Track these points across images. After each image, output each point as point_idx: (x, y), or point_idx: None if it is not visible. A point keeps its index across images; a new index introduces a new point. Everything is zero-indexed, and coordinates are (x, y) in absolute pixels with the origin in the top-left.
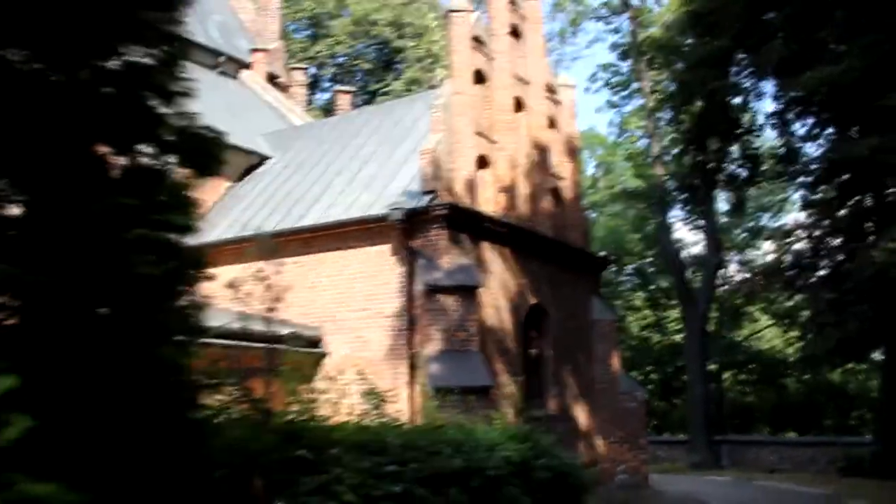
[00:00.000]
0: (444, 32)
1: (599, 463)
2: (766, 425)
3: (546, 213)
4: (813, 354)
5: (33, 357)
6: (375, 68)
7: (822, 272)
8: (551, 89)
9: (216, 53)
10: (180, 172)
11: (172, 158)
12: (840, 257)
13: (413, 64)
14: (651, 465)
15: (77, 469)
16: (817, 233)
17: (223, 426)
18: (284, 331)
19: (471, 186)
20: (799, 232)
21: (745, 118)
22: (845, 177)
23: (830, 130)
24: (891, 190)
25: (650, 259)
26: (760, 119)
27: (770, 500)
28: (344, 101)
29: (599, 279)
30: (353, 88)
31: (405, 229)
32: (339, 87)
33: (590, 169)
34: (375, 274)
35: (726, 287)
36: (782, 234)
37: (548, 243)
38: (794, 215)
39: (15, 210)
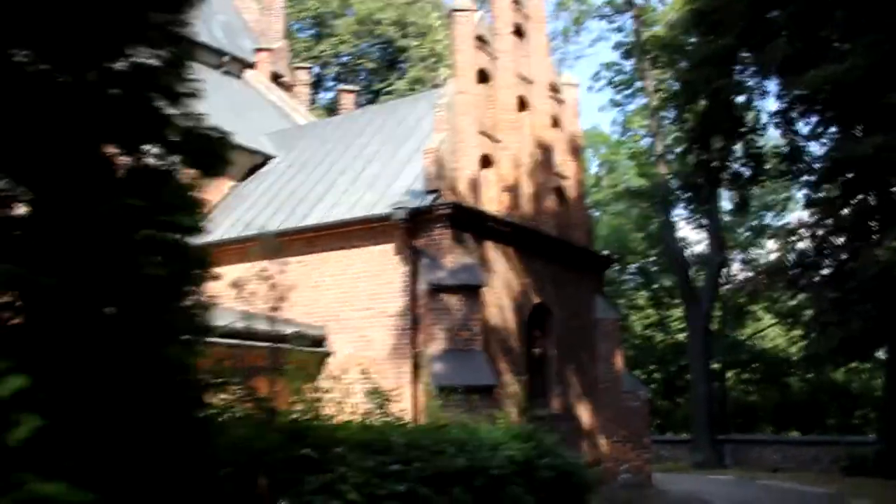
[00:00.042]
0: (447, 32)
1: (603, 462)
2: (769, 424)
3: (549, 212)
4: (816, 353)
5: (41, 357)
6: (379, 67)
7: (825, 271)
8: (555, 88)
9: (220, 53)
10: (186, 173)
11: (179, 159)
12: (843, 256)
13: (416, 63)
14: (654, 464)
15: (85, 468)
16: (821, 232)
17: (228, 425)
18: (288, 330)
19: (474, 186)
20: (802, 231)
21: (749, 117)
22: (849, 175)
23: (834, 129)
24: (895, 188)
25: (653, 258)
26: (764, 118)
27: (773, 499)
28: (347, 100)
29: (603, 278)
30: (356, 88)
31: (409, 229)
32: (342, 86)
33: (593, 168)
34: (379, 273)
35: (730, 286)
36: (786, 233)
37: (551, 242)
38: (797, 214)
39: (21, 210)
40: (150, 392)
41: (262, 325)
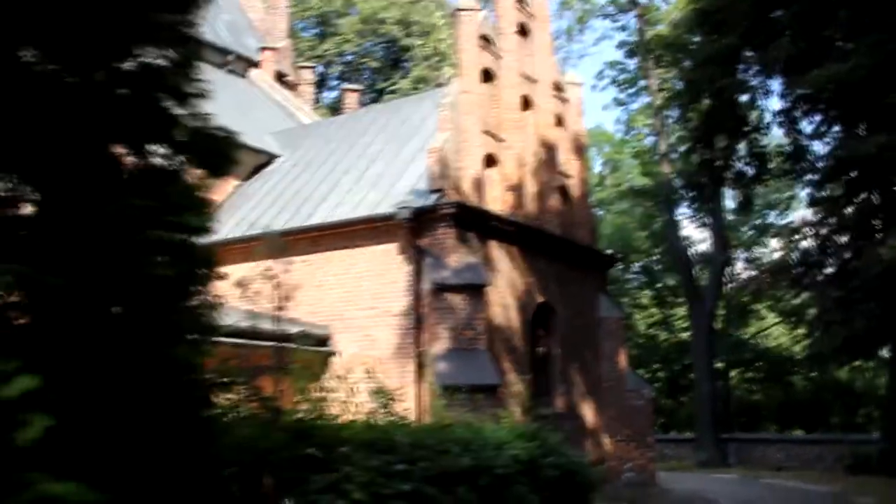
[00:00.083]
0: (451, 31)
1: (606, 461)
2: (773, 423)
3: (553, 211)
4: (820, 352)
5: (49, 357)
6: (383, 66)
7: (828, 270)
8: (559, 87)
9: (225, 52)
10: (194, 173)
11: (186, 159)
12: (847, 255)
13: (420, 62)
14: (658, 462)
15: (93, 468)
16: (824, 230)
17: (233, 424)
18: (293, 329)
19: (478, 185)
20: (806, 229)
21: (753, 116)
22: (852, 174)
23: (838, 128)
24: None
25: (657, 257)
26: (768, 117)
27: (777, 498)
28: (351, 99)
29: (606, 277)
30: (360, 87)
31: (413, 228)
32: (346, 85)
33: (597, 167)
34: (383, 273)
35: (733, 285)
36: (789, 232)
37: (555, 241)
38: (800, 212)
39: (28, 209)
40: (158, 392)
41: (266, 325)
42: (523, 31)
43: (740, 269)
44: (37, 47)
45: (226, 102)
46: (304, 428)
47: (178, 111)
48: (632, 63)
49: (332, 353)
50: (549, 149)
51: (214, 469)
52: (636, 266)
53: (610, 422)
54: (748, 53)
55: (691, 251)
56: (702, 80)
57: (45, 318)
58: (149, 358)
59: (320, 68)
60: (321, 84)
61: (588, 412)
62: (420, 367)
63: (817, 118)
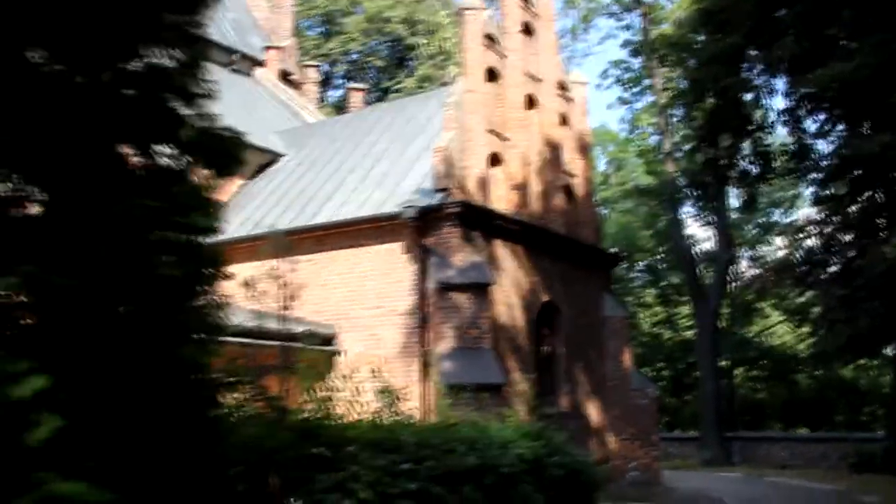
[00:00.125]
0: (456, 29)
1: (611, 460)
2: (777, 421)
3: (558, 210)
4: (824, 350)
5: (58, 357)
6: (388, 65)
7: (833, 268)
8: (563, 86)
9: (230, 51)
10: (200, 173)
11: (193, 159)
12: (851, 253)
13: (425, 61)
14: (662, 461)
15: (102, 467)
16: (828, 229)
17: (239, 424)
18: (299, 329)
19: (483, 184)
20: (810, 228)
21: (757, 115)
22: (857, 173)
23: (842, 127)
24: None
25: (661, 255)
26: (772, 116)
27: (782, 496)
28: (356, 98)
29: (611, 276)
30: (365, 86)
31: (418, 227)
32: (351, 84)
33: (601, 165)
34: (388, 272)
35: (738, 283)
36: (793, 230)
37: (560, 240)
38: (805, 211)
39: (35, 209)
40: (165, 391)
41: (272, 324)
42: (528, 30)
43: (744, 267)
44: (45, 48)
45: (231, 101)
46: (310, 427)
47: (185, 111)
48: (636, 62)
49: (337, 353)
50: (554, 148)
51: (221, 468)
52: (640, 265)
53: (614, 421)
54: (752, 52)
55: (695, 250)
56: (706, 79)
57: (52, 318)
58: (156, 358)
59: (325, 67)
60: (326, 83)
61: (592, 411)
62: (425, 367)
63: (821, 117)
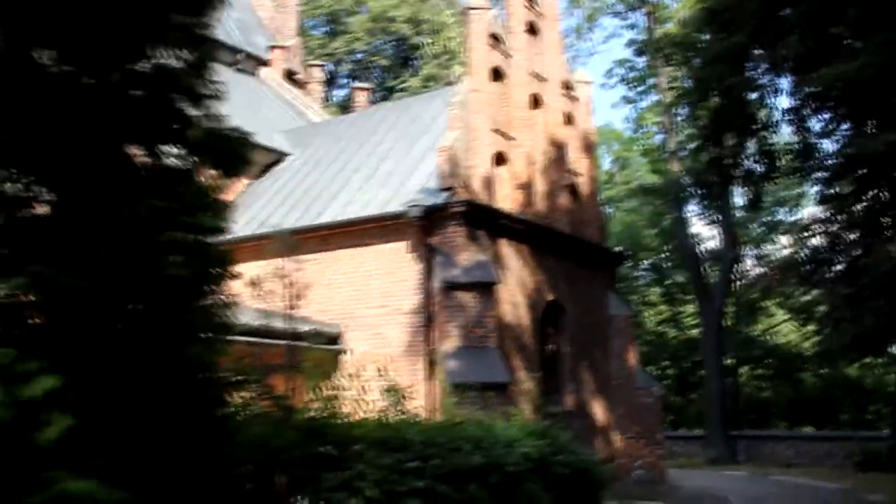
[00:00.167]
0: (461, 29)
1: (616, 458)
2: (782, 420)
3: (563, 209)
4: (829, 349)
5: (68, 357)
6: (392, 65)
7: (838, 267)
8: (568, 86)
9: (235, 50)
10: (207, 173)
11: (200, 159)
12: (857, 252)
13: (430, 60)
14: (667, 460)
15: (111, 466)
16: (834, 228)
17: (245, 423)
18: (305, 328)
19: (488, 183)
20: (815, 227)
21: (762, 114)
22: (862, 172)
23: (847, 126)
24: None
25: (666, 254)
26: (777, 115)
27: (787, 495)
28: (361, 97)
29: (616, 275)
30: (370, 85)
31: (423, 226)
32: (356, 83)
33: (606, 164)
34: (393, 271)
35: (742, 282)
36: (798, 229)
37: (565, 239)
38: (810, 209)
39: (42, 209)
40: (173, 391)
41: (278, 323)
42: (533, 29)
43: (749, 266)
44: (54, 49)
45: (236, 101)
46: (317, 426)
47: (193, 112)
48: (641, 61)
49: (342, 352)
50: (559, 147)
51: (229, 467)
52: (645, 263)
53: (619, 419)
54: (757, 52)
55: (700, 248)
56: (711, 79)
57: (62, 317)
58: (164, 357)
59: (330, 66)
60: (331, 82)
61: (598, 410)
62: (431, 365)
63: (826, 116)
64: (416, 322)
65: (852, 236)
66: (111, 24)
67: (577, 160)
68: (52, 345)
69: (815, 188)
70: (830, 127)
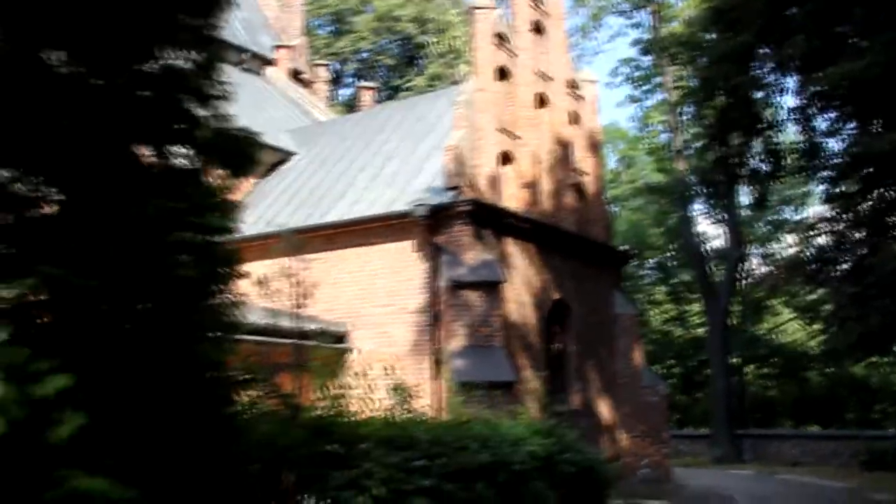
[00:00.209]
0: (466, 28)
1: (622, 457)
2: (788, 419)
3: (568, 208)
4: (835, 348)
5: (78, 356)
6: (398, 64)
7: (844, 266)
8: (573, 85)
9: (241, 50)
10: (216, 173)
11: (208, 159)
12: (863, 251)
13: (435, 59)
14: (673, 459)
15: (121, 464)
16: (840, 227)
17: (253, 421)
18: (311, 327)
19: (494, 182)
20: (821, 226)
21: (768, 113)
22: (868, 171)
23: (852, 125)
24: None
25: (672, 253)
26: (783, 114)
27: (793, 494)
28: (367, 96)
29: (621, 273)
30: (375, 84)
31: (429, 225)
32: (361, 82)
33: (612, 163)
34: (399, 270)
35: (748, 280)
36: (804, 228)
37: (570, 238)
38: (816, 208)
39: (50, 209)
40: (182, 389)
41: (285, 322)
42: (538, 28)
43: (755, 264)
44: (63, 50)
45: (241, 100)
46: (324, 425)
47: (201, 112)
48: (646, 60)
49: (349, 351)
50: (564, 146)
51: (237, 465)
52: (651, 262)
53: (625, 418)
54: (763, 51)
55: (706, 247)
56: (716, 78)
57: (72, 317)
58: (173, 356)
59: (335, 66)
60: (336, 82)
61: (603, 409)
62: (437, 364)
63: (832, 115)
64: (422, 321)
65: (858, 235)
66: (120, 25)
67: (582, 159)
68: (62, 344)
69: (821, 187)
70: (836, 126)
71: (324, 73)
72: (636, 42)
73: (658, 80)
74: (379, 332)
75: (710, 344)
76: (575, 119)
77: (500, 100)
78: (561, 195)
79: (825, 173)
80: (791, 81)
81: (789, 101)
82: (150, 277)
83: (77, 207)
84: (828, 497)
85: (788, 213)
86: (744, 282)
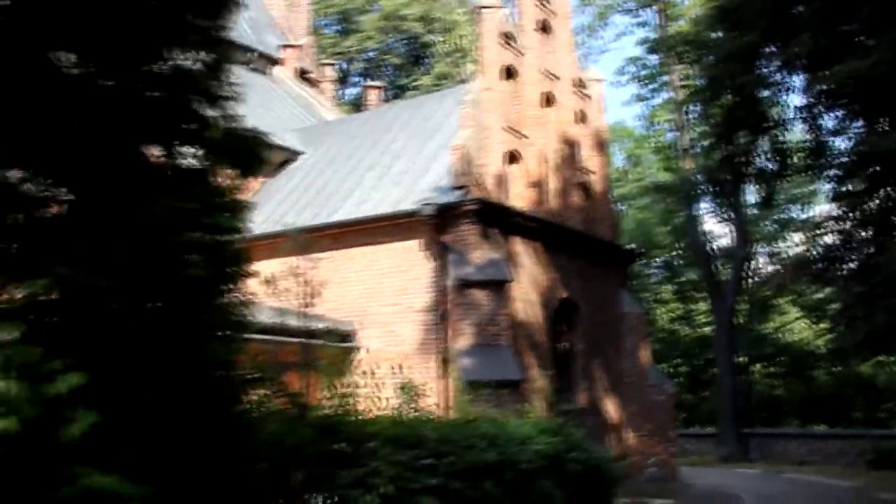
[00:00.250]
0: (472, 27)
1: (629, 456)
2: (794, 418)
3: (575, 207)
4: (842, 347)
5: (90, 355)
6: (404, 63)
7: (851, 265)
8: (580, 84)
9: (247, 49)
10: (225, 173)
11: (217, 160)
12: (869, 250)
13: (442, 59)
14: (680, 458)
15: (133, 462)
16: (846, 225)
17: (261, 420)
18: (319, 326)
19: (501, 181)
20: (828, 224)
21: (774, 112)
22: (874, 169)
23: (859, 124)
24: None
25: (678, 252)
26: (789, 113)
27: (799, 493)
28: (373, 96)
29: (628, 272)
30: (382, 83)
31: (436, 224)
32: (368, 82)
33: (618, 162)
34: (406, 269)
35: (755, 279)
36: (811, 227)
37: (577, 237)
38: (822, 207)
39: (60, 210)
40: (192, 388)
41: (293, 321)
42: (544, 27)
43: (762, 263)
44: (73, 51)
45: (249, 100)
46: (331, 423)
47: (210, 113)
48: (653, 59)
49: (356, 349)
50: (571, 145)
51: (245, 464)
52: (657, 261)
53: (632, 417)
54: (769, 49)
55: (712, 246)
56: (723, 76)
57: (83, 317)
58: (183, 355)
59: (342, 65)
60: (343, 81)
61: (610, 407)
62: (444, 363)
63: (839, 114)
64: (429, 320)
65: (865, 234)
66: (129, 26)
67: (589, 158)
68: (74, 343)
69: (828, 186)
70: (843, 124)
71: (330, 73)
72: (642, 41)
73: (664, 78)
74: (386, 331)
75: (717, 343)
76: (581, 118)
77: (506, 99)
78: (567, 194)
79: (832, 172)
80: (797, 80)
81: (796, 99)
82: (160, 277)
83: (87, 208)
84: (834, 496)
85: (795, 212)
86: (750, 280)
